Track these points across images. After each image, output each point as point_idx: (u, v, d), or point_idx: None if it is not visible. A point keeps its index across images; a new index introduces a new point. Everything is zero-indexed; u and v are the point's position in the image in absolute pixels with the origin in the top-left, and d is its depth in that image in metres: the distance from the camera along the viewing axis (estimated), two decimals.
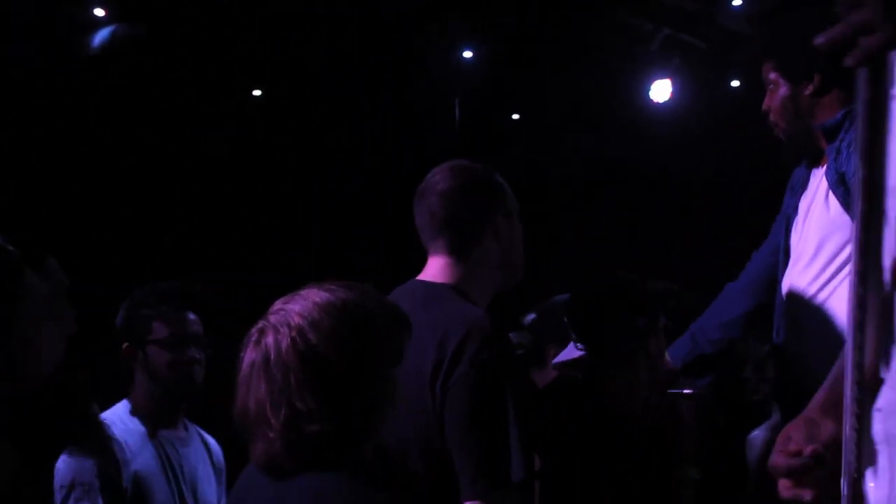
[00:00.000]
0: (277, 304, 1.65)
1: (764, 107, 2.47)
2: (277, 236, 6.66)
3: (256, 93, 6.73)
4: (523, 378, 2.17)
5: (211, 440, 2.68)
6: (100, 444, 2.30)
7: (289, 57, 6.37)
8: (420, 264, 2.31)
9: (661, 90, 6.01)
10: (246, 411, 1.61)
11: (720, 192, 6.47)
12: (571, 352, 2.48)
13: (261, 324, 1.64)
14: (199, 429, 2.70)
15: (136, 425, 2.55)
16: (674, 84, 5.99)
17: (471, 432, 1.88)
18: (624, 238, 6.70)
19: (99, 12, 5.80)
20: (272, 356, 1.58)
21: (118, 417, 2.56)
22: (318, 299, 1.62)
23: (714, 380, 2.69)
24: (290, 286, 1.66)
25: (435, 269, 2.13)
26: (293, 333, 1.58)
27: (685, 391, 2.49)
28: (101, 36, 5.88)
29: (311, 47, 6.29)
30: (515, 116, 6.95)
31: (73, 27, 5.76)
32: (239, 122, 6.68)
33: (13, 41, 5.43)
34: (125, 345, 2.59)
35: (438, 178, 2.15)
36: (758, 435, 3.31)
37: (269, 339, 1.60)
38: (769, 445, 2.39)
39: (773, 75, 2.45)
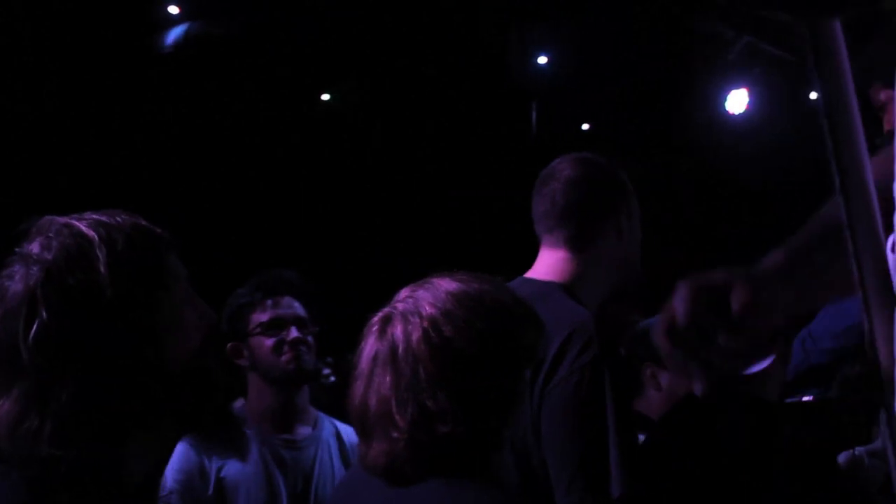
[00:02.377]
0: (404, 292, 1.49)
1: (886, 128, 2.34)
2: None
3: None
4: (627, 387, 2.00)
5: (346, 431, 2.47)
6: (229, 434, 2.21)
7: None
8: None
9: (737, 100, 5.80)
10: (365, 408, 1.44)
11: (797, 206, 6.30)
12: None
13: (385, 312, 1.48)
14: (334, 422, 2.52)
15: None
16: (751, 95, 5.78)
17: (569, 439, 1.74)
18: (697, 249, 6.52)
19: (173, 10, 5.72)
20: (400, 348, 1.43)
21: None
22: (450, 288, 1.46)
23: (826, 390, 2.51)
24: None
25: (546, 264, 1.99)
26: (425, 324, 1.42)
27: (804, 398, 2.32)
28: (174, 34, 5.79)
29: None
30: (586, 127, 6.84)
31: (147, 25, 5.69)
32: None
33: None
34: (229, 345, 2.44)
35: (564, 165, 2.02)
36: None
37: (397, 330, 1.44)
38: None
39: (883, 95, 2.33)
